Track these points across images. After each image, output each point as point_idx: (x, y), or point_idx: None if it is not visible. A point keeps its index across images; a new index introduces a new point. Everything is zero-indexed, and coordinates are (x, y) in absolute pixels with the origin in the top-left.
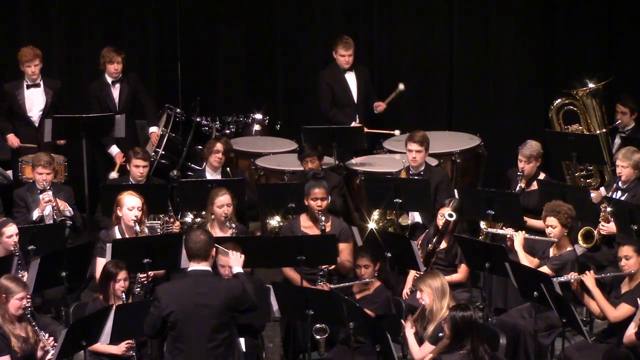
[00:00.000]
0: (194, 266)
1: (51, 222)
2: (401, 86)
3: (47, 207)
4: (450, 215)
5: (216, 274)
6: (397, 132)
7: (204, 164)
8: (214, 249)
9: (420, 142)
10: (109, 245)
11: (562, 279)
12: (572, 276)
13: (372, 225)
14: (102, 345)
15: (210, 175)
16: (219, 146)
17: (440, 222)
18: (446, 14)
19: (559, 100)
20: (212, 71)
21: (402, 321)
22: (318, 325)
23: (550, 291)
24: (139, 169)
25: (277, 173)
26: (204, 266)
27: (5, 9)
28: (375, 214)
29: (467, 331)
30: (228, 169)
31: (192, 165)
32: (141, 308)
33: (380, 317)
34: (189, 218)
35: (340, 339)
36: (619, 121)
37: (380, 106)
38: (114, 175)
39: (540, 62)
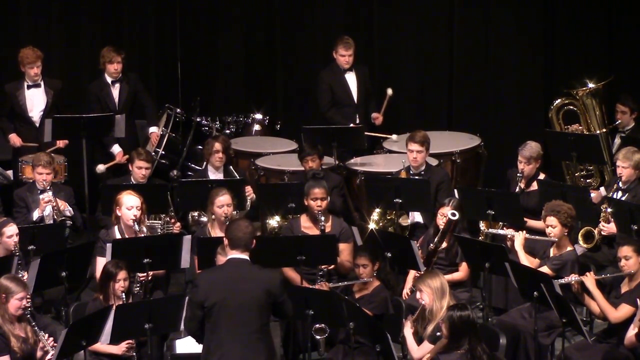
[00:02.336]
0: (235, 255)
1: (51, 222)
2: (389, 91)
3: (47, 207)
4: (454, 215)
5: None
6: (394, 136)
7: (205, 164)
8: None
9: (421, 142)
10: (109, 245)
11: (562, 280)
12: (572, 277)
13: (372, 225)
14: (102, 345)
15: (213, 174)
16: (217, 146)
17: (441, 221)
18: (446, 14)
19: (559, 100)
20: (212, 71)
21: (403, 321)
22: (318, 325)
23: (550, 291)
24: (141, 170)
25: (277, 173)
26: (245, 256)
27: (5, 9)
28: (375, 214)
29: (465, 331)
30: (231, 167)
31: (192, 165)
32: (141, 308)
33: (379, 317)
34: (204, 217)
35: (340, 339)
36: (619, 121)
37: (377, 119)
38: (101, 168)
39: (540, 62)
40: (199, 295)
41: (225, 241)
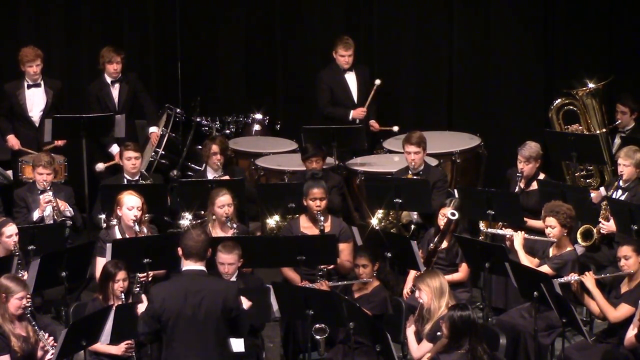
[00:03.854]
0: (190, 266)
1: (51, 222)
2: (377, 81)
3: (48, 207)
4: (453, 215)
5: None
6: (395, 128)
7: (204, 164)
8: (210, 248)
9: (418, 144)
10: (109, 245)
11: (562, 280)
12: (572, 277)
13: (374, 220)
14: (102, 345)
15: (212, 176)
16: (214, 148)
17: (441, 222)
18: (446, 13)
19: (559, 100)
20: (212, 71)
21: (405, 322)
22: (318, 325)
23: (550, 291)
24: (131, 161)
25: (277, 173)
26: (200, 266)
27: (5, 9)
28: (380, 212)
29: (466, 331)
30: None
31: (192, 165)
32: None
33: (378, 316)
34: (186, 220)
35: (340, 339)
36: (619, 121)
37: (373, 126)
38: (100, 166)
39: (540, 62)
40: (155, 309)
41: (180, 251)
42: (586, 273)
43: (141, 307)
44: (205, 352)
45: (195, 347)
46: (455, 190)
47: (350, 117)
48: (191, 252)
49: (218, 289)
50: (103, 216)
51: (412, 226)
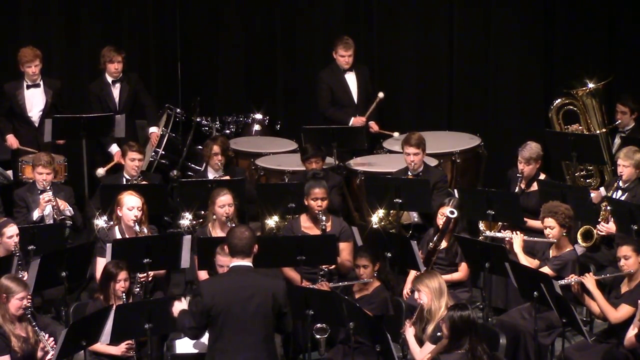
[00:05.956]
0: (238, 262)
1: (51, 222)
2: (380, 94)
3: (47, 207)
4: (452, 213)
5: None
6: (396, 133)
7: (205, 164)
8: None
9: (417, 145)
10: (109, 245)
11: (562, 282)
12: (572, 279)
13: (374, 218)
14: (102, 346)
15: (212, 176)
16: (215, 148)
17: (440, 221)
18: (446, 14)
19: (559, 100)
20: (212, 71)
21: (404, 323)
22: (318, 325)
23: (550, 291)
24: (134, 162)
25: (277, 173)
26: (247, 262)
27: (5, 9)
28: (381, 212)
29: (466, 331)
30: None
31: (192, 165)
32: (141, 308)
33: (378, 317)
34: (186, 220)
35: (340, 339)
36: (619, 121)
37: (372, 127)
38: (101, 172)
39: (540, 62)
40: (205, 304)
41: (226, 248)
42: (586, 274)
43: (177, 306)
44: (254, 347)
45: (243, 342)
46: (455, 190)
47: (350, 124)
48: (237, 250)
49: (268, 285)
50: (102, 218)
51: (411, 229)
